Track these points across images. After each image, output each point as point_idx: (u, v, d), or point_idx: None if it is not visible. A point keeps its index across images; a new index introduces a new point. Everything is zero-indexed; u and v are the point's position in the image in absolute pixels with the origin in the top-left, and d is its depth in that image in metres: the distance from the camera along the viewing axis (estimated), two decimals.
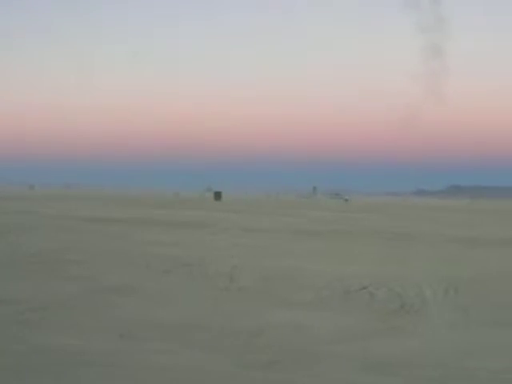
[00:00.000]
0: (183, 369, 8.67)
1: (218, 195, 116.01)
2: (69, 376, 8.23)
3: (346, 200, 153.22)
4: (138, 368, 8.63)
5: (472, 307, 13.42)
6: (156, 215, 47.64)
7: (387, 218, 58.18)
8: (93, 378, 8.21)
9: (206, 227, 36.52)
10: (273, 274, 17.61)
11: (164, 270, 17.95)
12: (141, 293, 14.38)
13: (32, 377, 8.17)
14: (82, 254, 21.06)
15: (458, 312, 12.97)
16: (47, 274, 16.81)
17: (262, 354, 9.45)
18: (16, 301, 12.87)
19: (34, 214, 43.99)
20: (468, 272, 18.77)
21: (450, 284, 16.27)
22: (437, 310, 13.19)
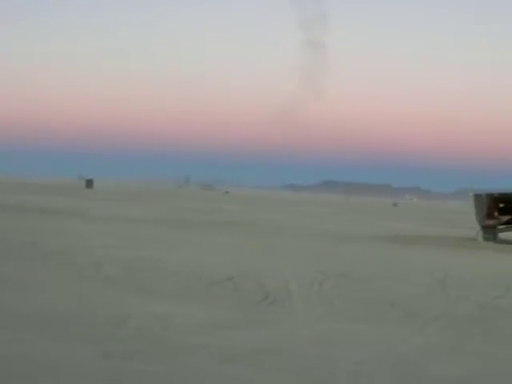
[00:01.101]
0: (31, 359, 8.41)
1: (89, 183, 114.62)
2: None
3: (227, 192, 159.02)
4: None
5: (337, 301, 13.62)
6: (26, 202, 46.56)
7: (259, 210, 58.67)
8: None
9: (75, 215, 35.93)
10: (140, 264, 17.45)
11: (29, 258, 17.53)
12: (3, 282, 13.99)
13: None
14: None
15: (322, 305, 13.13)
16: None
17: (123, 344, 9.31)
18: None
19: None
20: (335, 266, 19.05)
21: (316, 278, 16.47)
22: (301, 302, 13.31)
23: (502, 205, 34.22)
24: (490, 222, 34.21)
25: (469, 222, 40.58)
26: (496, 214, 34.10)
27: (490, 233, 34.08)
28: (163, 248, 21.88)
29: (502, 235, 34.64)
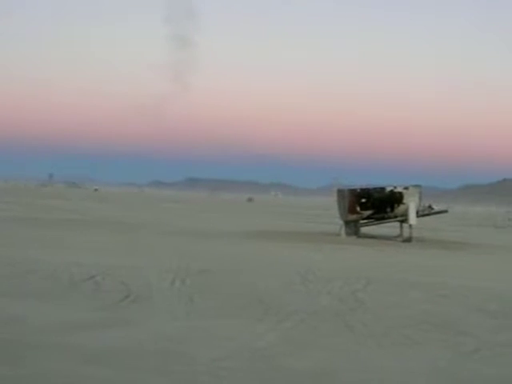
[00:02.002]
0: None
1: None
2: None
3: (96, 190, 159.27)
4: None
5: (198, 297, 13.60)
6: None
7: (122, 208, 58.12)
8: None
9: None
10: None
11: None
12: None
13: None
14: None
15: (183, 302, 13.09)
16: None
17: None
18: None
19: None
20: (198, 263, 19.03)
21: (178, 274, 16.40)
22: (163, 300, 13.24)
23: (363, 200, 34.93)
24: (353, 217, 34.88)
25: (332, 217, 41.33)
26: (358, 208, 34.78)
27: (352, 227, 34.73)
28: (24, 247, 21.33)
29: (364, 230, 35.41)
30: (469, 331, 11.53)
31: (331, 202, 36.98)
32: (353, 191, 35.54)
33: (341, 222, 35.26)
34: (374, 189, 35.51)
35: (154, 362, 8.83)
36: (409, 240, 33.26)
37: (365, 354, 9.64)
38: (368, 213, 35.06)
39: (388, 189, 35.04)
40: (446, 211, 43.03)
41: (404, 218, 34.56)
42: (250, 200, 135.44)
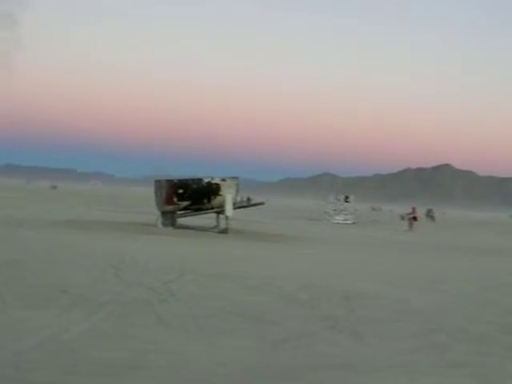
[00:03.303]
0: None
1: None
2: None
3: None
4: None
5: (3, 288, 13.13)
6: None
7: None
8: None
9: None
10: None
11: None
12: None
13: None
14: None
15: None
16: None
17: None
18: None
19: None
20: (7, 253, 18.45)
21: None
22: None
23: (181, 191, 34.95)
24: (169, 208, 34.85)
25: (150, 207, 41.11)
26: (175, 199, 34.78)
27: (168, 218, 34.71)
28: None
29: (181, 221, 35.48)
30: (277, 321, 11.73)
31: (151, 192, 36.86)
32: (170, 182, 35.50)
33: (158, 213, 35.17)
34: (192, 180, 35.61)
35: None
36: (225, 231, 33.59)
37: (175, 345, 9.60)
38: (185, 204, 35.12)
39: (205, 180, 35.22)
40: (262, 203, 43.82)
41: (221, 210, 34.86)
42: (53, 188, 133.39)
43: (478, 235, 57.98)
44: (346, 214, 67.92)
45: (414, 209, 71.52)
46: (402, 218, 75.22)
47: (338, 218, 66.37)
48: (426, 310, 13.93)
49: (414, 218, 67.95)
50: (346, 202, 69.87)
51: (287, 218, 64.74)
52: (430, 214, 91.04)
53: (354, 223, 64.61)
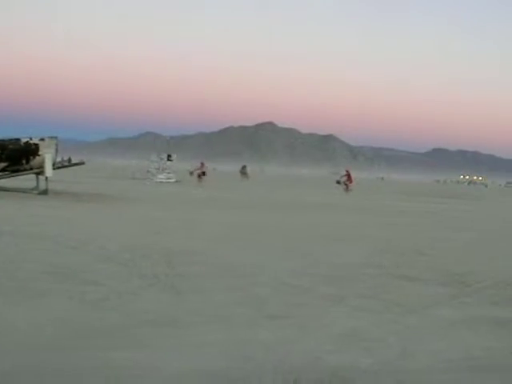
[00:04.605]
0: None
1: None
2: None
3: None
4: None
5: None
6: None
7: None
8: None
9: None
10: None
11: None
12: None
13: None
14: None
15: None
16: None
17: None
18: None
19: None
20: None
21: None
22: None
23: None
24: None
25: None
26: None
27: None
28: None
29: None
30: (98, 281, 11.59)
31: None
32: None
33: None
34: (9, 140, 34.54)
35: None
36: (45, 192, 32.88)
37: None
38: (2, 165, 34.12)
39: (23, 140, 34.27)
40: (82, 163, 43.17)
41: (40, 171, 34.08)
42: None
43: (292, 191, 59.50)
44: (169, 173, 68.11)
45: (202, 164, 73.04)
46: (191, 173, 76.74)
47: (160, 176, 66.44)
48: (247, 264, 14.14)
49: (203, 173, 69.33)
50: (169, 160, 69.98)
51: (110, 178, 64.08)
52: (243, 171, 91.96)
53: (177, 181, 64.83)
